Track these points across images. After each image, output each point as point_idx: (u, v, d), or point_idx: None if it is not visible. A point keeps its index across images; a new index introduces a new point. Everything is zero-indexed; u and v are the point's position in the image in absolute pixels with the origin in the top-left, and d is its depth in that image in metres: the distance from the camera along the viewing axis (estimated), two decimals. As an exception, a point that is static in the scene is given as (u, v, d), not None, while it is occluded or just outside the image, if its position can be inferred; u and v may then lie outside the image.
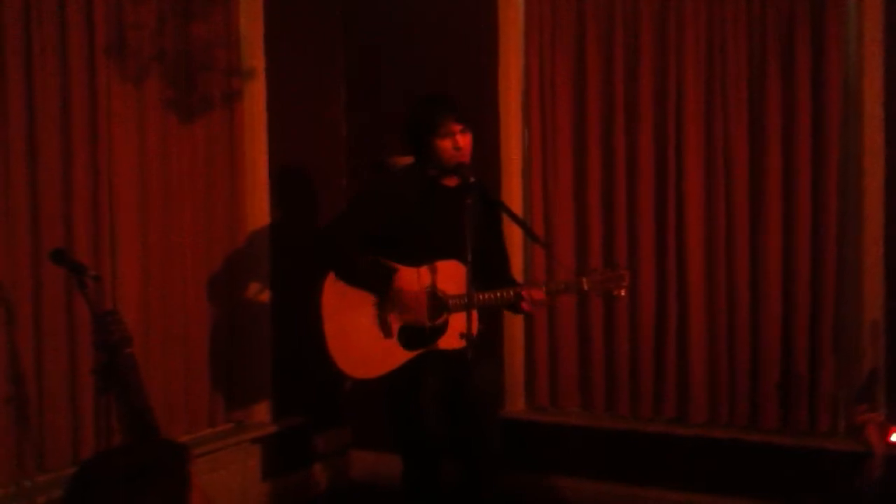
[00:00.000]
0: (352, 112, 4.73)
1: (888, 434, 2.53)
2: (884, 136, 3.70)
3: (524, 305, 3.14)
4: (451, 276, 3.11)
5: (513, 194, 4.31)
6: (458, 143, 3.13)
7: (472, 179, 3.05)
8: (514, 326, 4.34)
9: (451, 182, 3.21)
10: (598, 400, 4.24)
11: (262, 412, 4.19)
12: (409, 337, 3.15)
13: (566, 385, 4.29)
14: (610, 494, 4.21)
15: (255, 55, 4.10)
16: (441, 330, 3.13)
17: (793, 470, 3.89)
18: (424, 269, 3.13)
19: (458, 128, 3.14)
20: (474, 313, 2.98)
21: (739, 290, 3.96)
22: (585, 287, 3.12)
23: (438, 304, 3.12)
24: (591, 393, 4.25)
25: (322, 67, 4.63)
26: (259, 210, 4.16)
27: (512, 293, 3.13)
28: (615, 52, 4.11)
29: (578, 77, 4.20)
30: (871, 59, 3.70)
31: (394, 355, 3.14)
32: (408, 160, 3.33)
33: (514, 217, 3.30)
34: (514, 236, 4.04)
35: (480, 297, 3.06)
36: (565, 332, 4.26)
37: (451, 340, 3.09)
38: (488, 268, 3.25)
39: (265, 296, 4.19)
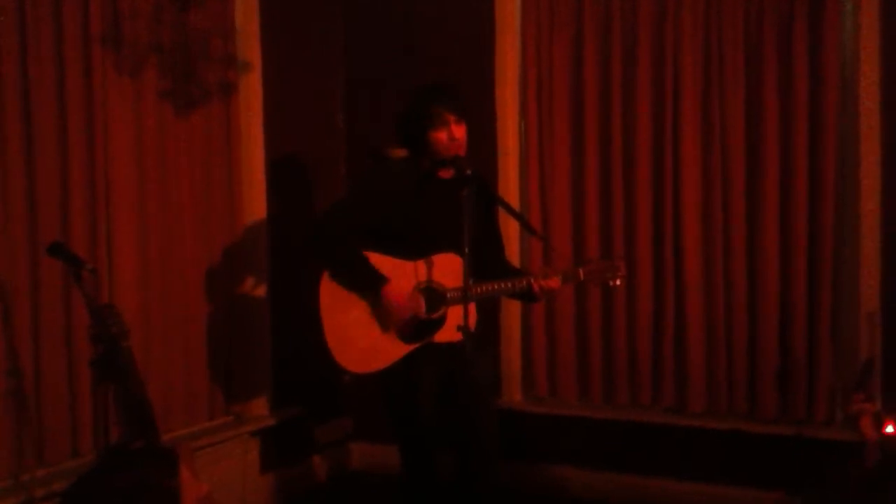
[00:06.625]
0: (350, 104, 4.73)
1: (883, 425, 2.53)
2: (880, 125, 3.70)
3: (537, 291, 3.13)
4: (448, 268, 3.10)
5: (510, 186, 4.30)
6: (453, 133, 3.10)
7: (468, 171, 3.03)
8: (511, 317, 4.34)
9: (448, 174, 3.19)
10: (595, 390, 4.25)
11: (261, 405, 4.19)
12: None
13: (564, 375, 4.29)
14: (608, 484, 4.22)
15: (251, 46, 4.09)
16: (439, 323, 3.12)
17: (790, 459, 3.90)
18: (421, 263, 3.11)
19: (452, 118, 3.11)
20: (471, 306, 2.96)
21: (737, 279, 3.96)
22: (582, 277, 3.15)
23: (436, 297, 3.11)
24: (589, 383, 4.25)
25: (321, 60, 4.62)
26: (257, 202, 4.15)
27: (524, 283, 3.12)
28: (612, 42, 4.09)
29: (575, 67, 4.19)
30: (867, 44, 3.70)
31: (392, 349, 3.12)
32: (403, 152, 3.31)
33: (510, 210, 3.28)
34: (510, 227, 4.03)
35: (478, 289, 3.05)
36: (563, 322, 4.27)
37: (448, 333, 3.08)
38: (486, 258, 3.24)
39: (263, 288, 4.19)
